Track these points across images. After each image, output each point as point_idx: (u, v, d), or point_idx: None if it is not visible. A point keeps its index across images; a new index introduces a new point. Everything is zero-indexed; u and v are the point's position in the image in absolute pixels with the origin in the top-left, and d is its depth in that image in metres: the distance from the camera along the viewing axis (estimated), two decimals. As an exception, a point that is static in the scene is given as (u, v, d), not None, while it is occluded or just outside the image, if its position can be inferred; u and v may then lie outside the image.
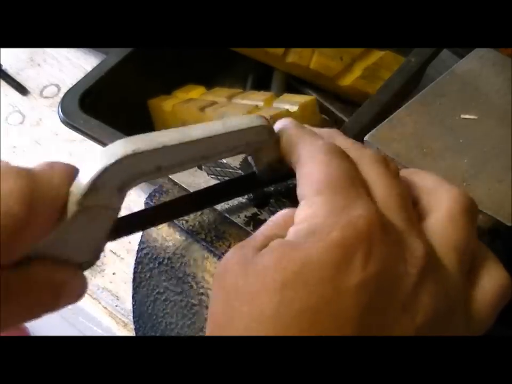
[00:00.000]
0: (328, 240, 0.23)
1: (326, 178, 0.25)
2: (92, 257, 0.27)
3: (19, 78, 0.78)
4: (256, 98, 0.58)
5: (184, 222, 0.33)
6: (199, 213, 0.33)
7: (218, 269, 0.26)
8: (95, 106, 0.59)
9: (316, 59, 0.64)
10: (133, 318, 0.37)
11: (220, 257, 0.32)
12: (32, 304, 0.25)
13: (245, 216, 0.33)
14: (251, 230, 0.32)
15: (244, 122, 0.28)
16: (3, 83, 0.78)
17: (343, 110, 0.66)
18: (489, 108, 0.47)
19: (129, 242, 0.62)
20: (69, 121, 0.57)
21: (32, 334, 0.84)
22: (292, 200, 0.33)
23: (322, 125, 0.61)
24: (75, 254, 0.26)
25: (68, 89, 0.60)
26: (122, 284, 0.60)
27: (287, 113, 0.52)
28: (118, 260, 0.61)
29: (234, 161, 0.35)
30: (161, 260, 0.34)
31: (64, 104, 0.58)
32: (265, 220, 0.31)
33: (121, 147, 0.24)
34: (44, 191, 0.23)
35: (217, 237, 0.32)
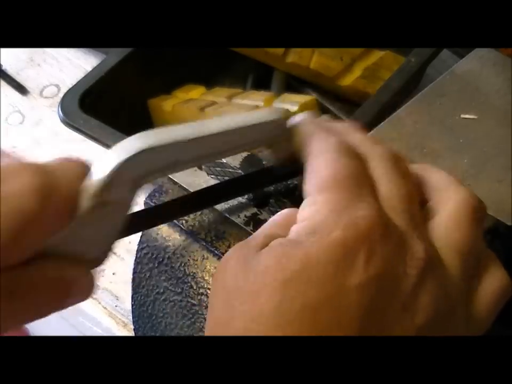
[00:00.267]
0: (328, 240, 0.22)
1: (331, 177, 0.25)
2: (102, 256, 0.26)
3: (19, 78, 0.78)
4: (256, 98, 0.58)
5: (184, 222, 0.33)
6: (199, 212, 0.33)
7: (218, 268, 0.26)
8: (95, 106, 0.59)
9: (316, 59, 0.64)
10: (133, 318, 0.37)
11: (219, 257, 0.32)
12: (40, 302, 0.24)
13: (245, 216, 0.33)
14: (251, 230, 0.32)
15: (262, 115, 0.27)
16: (3, 83, 0.78)
17: (343, 110, 0.65)
18: (489, 108, 0.46)
19: (129, 242, 0.61)
20: (69, 121, 0.57)
21: (32, 334, 0.84)
22: (292, 200, 0.33)
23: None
24: (86, 252, 0.25)
25: (68, 89, 0.60)
26: (122, 284, 0.60)
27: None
28: (118, 260, 0.61)
29: (234, 161, 0.35)
30: (161, 259, 0.34)
31: (64, 104, 0.58)
32: (265, 220, 0.31)
33: (137, 141, 0.24)
34: (57, 186, 0.23)
35: (217, 237, 0.32)
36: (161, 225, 0.34)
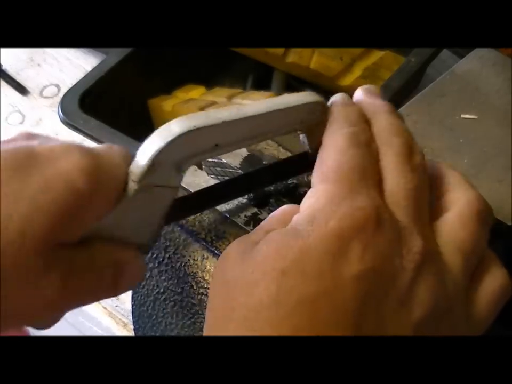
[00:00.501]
0: (325, 230, 0.23)
1: (335, 167, 0.25)
2: (150, 241, 0.27)
3: (19, 78, 0.78)
4: (256, 98, 0.58)
5: (184, 221, 0.33)
6: (199, 212, 0.33)
7: (218, 262, 0.26)
8: (95, 106, 0.59)
9: (316, 59, 0.64)
10: (133, 318, 0.37)
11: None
12: (93, 286, 0.25)
13: (245, 216, 0.33)
14: (251, 230, 0.32)
15: (299, 99, 0.27)
16: (3, 83, 0.78)
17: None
18: (489, 108, 0.46)
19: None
20: (68, 121, 0.57)
21: (31, 334, 0.84)
22: (292, 200, 0.33)
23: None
24: (133, 236, 0.26)
25: (67, 89, 0.60)
26: (122, 284, 0.60)
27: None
28: (118, 260, 0.61)
29: (234, 161, 0.35)
30: (161, 259, 0.34)
31: (64, 104, 0.58)
32: (265, 220, 0.30)
33: (179, 124, 0.24)
34: (106, 169, 0.24)
35: (217, 237, 0.32)
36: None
